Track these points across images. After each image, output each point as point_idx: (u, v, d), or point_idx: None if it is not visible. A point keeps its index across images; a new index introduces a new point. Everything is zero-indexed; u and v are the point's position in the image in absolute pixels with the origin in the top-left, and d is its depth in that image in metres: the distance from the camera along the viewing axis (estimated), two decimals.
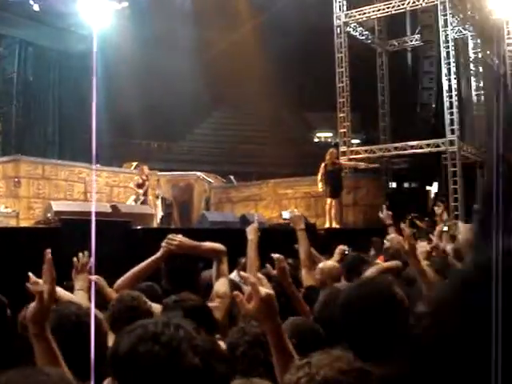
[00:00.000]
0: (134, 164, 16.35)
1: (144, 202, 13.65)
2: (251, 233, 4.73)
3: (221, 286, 3.43)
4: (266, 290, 1.90)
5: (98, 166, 14.17)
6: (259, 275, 1.99)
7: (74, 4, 19.57)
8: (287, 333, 2.35)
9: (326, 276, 4.25)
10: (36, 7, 20.65)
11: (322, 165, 13.64)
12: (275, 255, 3.53)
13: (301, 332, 2.51)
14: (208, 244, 3.63)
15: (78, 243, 3.43)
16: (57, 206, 9.17)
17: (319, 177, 13.73)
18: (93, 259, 3.14)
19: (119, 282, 3.57)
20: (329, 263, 4.56)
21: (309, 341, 2.43)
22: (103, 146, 19.43)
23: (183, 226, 14.10)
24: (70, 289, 3.22)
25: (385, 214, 6.24)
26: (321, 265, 4.45)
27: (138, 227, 7.61)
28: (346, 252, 5.57)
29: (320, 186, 13.69)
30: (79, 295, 3.17)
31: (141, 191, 13.74)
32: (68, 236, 5.38)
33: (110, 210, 9.66)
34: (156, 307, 2.99)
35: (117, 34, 20.08)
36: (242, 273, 2.04)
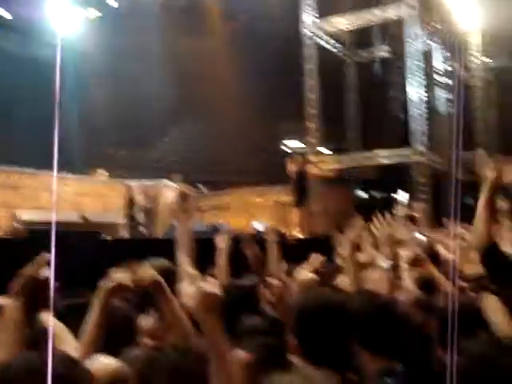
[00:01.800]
0: (102, 172, 16.21)
1: None
2: (221, 242, 4.77)
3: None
4: (210, 287, 1.90)
5: (65, 174, 14.00)
6: (210, 278, 2.00)
7: (42, 11, 19.42)
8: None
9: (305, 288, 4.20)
10: (4, 13, 20.45)
11: (293, 171, 13.57)
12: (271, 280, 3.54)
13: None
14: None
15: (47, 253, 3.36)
16: (24, 215, 9.04)
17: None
18: (52, 272, 2.95)
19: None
20: (310, 275, 4.52)
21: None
22: (72, 154, 19.23)
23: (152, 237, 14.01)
24: None
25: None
26: (301, 277, 4.39)
27: (108, 237, 7.53)
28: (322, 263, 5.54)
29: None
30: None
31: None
32: (36, 246, 5.29)
33: (78, 220, 9.56)
34: None
35: (87, 42, 19.99)
36: (185, 268, 2.04)
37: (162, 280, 2.23)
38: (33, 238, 5.94)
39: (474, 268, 3.14)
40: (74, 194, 13.78)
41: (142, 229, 14.73)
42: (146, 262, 3.63)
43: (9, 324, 1.85)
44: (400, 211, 16.51)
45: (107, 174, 16.28)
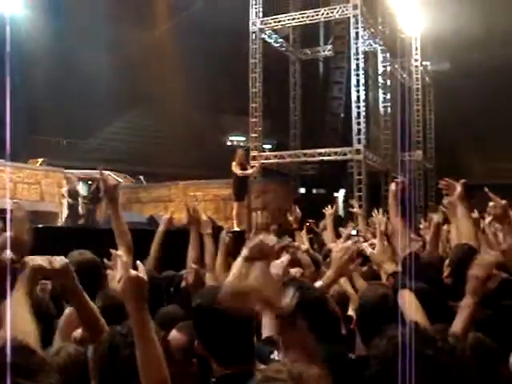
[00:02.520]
0: (40, 160, 15.87)
1: None
2: (162, 224, 4.75)
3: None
4: (136, 272, 1.97)
5: (2, 161, 13.67)
6: (138, 262, 2.05)
7: None
8: None
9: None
10: None
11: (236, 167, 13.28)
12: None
13: None
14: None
15: None
16: None
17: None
18: None
19: None
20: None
21: None
22: (9, 141, 18.73)
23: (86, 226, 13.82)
24: None
25: (293, 218, 6.28)
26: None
27: (40, 225, 7.43)
28: None
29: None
30: None
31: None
32: None
33: (11, 207, 9.34)
34: None
35: (30, 25, 19.47)
36: (113, 250, 2.07)
37: (71, 270, 2.24)
38: None
39: (392, 266, 3.26)
40: (10, 181, 13.46)
41: (82, 218, 14.60)
42: (71, 253, 3.63)
43: None
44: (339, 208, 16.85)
45: (46, 162, 15.96)
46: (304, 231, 6.17)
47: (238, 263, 3.37)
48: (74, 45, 22.72)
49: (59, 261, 2.19)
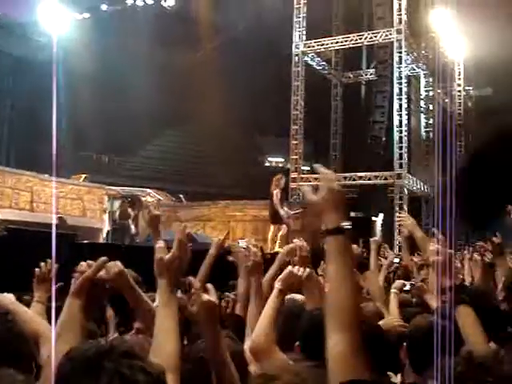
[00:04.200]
0: (83, 176, 16.13)
1: None
2: (214, 247, 4.70)
3: None
4: (208, 296, 2.04)
5: (46, 176, 13.93)
6: (208, 285, 2.12)
7: (34, 11, 19.42)
8: None
9: None
10: None
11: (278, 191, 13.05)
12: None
13: None
14: None
15: (25, 253, 3.42)
16: (3, 215, 9.02)
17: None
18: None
19: None
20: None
21: None
22: (52, 156, 19.09)
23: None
24: (21, 302, 3.09)
25: None
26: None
27: (84, 241, 7.54)
28: None
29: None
30: (36, 308, 3.07)
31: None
32: (14, 246, 5.29)
33: (56, 222, 9.53)
34: None
35: (76, 44, 19.97)
36: (190, 278, 2.15)
37: (126, 274, 2.30)
38: (10, 237, 5.92)
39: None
40: (53, 196, 13.69)
41: (134, 237, 14.88)
42: None
43: (73, 322, 1.95)
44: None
45: (88, 178, 16.22)
46: None
47: (271, 300, 3.17)
48: (119, 64, 23.18)
49: (114, 267, 2.25)
